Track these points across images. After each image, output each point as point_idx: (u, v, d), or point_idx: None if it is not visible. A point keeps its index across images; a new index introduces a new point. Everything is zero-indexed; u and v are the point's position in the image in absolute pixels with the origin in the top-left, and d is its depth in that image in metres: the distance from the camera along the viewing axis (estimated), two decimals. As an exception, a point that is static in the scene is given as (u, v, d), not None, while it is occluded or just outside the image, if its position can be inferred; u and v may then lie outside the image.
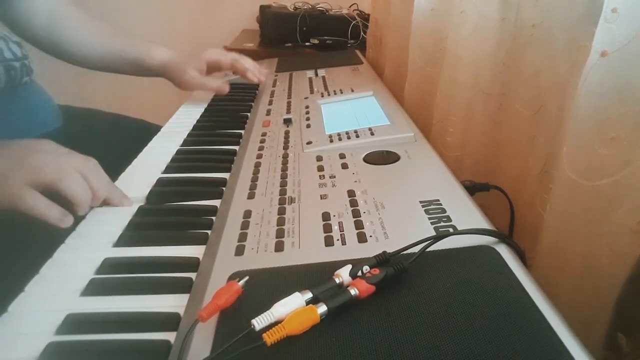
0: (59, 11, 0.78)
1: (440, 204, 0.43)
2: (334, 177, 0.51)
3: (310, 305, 0.31)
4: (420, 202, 0.44)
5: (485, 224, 0.40)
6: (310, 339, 0.29)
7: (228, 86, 0.85)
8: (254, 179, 0.52)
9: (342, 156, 0.56)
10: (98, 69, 0.84)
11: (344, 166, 0.53)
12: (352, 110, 0.72)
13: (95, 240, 0.45)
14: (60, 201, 0.47)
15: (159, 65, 0.83)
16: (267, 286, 0.34)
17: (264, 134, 0.66)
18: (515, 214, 0.58)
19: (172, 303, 0.37)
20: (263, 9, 1.49)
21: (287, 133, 0.66)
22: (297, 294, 0.31)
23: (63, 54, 0.80)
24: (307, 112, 0.73)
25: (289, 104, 0.79)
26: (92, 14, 0.84)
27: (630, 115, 0.40)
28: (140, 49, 0.83)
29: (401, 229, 0.40)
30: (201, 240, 0.44)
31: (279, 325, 0.29)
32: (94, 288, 0.38)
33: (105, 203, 0.51)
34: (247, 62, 0.89)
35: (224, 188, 0.54)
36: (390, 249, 0.36)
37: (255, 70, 0.89)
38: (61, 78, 1.20)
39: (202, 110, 0.83)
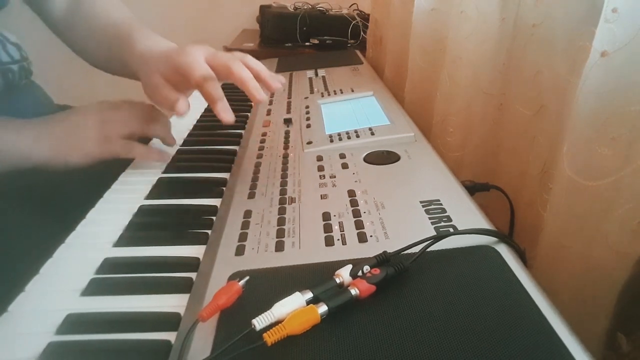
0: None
1: (441, 204, 0.43)
2: (334, 177, 0.51)
3: (311, 305, 0.30)
4: (421, 202, 0.44)
5: (485, 224, 0.40)
6: (310, 339, 0.29)
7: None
8: (254, 179, 0.52)
9: (342, 156, 0.56)
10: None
11: (344, 166, 0.53)
12: (352, 110, 0.72)
13: (95, 240, 0.45)
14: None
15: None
16: (267, 286, 0.34)
17: (264, 134, 0.66)
18: (515, 213, 0.58)
19: (172, 303, 0.37)
20: (263, 9, 1.49)
21: (287, 133, 0.66)
22: (297, 293, 0.31)
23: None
24: (307, 112, 0.73)
25: (289, 104, 0.79)
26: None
27: (630, 115, 0.40)
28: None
29: (401, 229, 0.40)
30: (201, 240, 0.44)
31: (280, 325, 0.29)
32: (94, 288, 0.38)
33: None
34: (244, 72, 0.52)
35: (224, 188, 0.54)
36: (391, 248, 0.36)
37: (266, 75, 0.55)
38: (61, 78, 1.20)
39: (202, 110, 0.83)
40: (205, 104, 0.85)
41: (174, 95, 0.54)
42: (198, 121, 0.77)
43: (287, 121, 0.70)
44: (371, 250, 0.36)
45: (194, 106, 0.84)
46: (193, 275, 0.40)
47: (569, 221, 0.46)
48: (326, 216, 0.43)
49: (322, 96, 0.80)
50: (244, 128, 0.73)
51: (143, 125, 0.58)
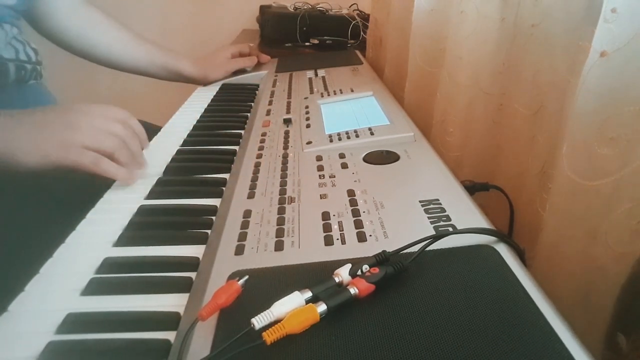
0: (91, 22, 0.89)
1: (440, 204, 0.43)
2: (334, 176, 0.51)
3: (310, 304, 0.31)
4: (420, 201, 0.44)
5: (484, 224, 0.40)
6: (310, 338, 0.29)
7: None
8: (254, 179, 0.52)
9: (341, 156, 0.56)
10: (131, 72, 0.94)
11: (344, 166, 0.53)
12: (352, 110, 0.72)
13: (95, 240, 0.45)
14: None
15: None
16: (266, 285, 0.34)
17: (264, 134, 0.66)
18: (515, 213, 0.58)
19: (172, 302, 0.37)
20: (263, 9, 1.50)
21: (287, 133, 0.66)
22: (296, 293, 0.31)
23: (98, 59, 0.91)
24: (307, 112, 0.73)
25: (288, 104, 0.79)
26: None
27: (630, 115, 0.40)
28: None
29: (401, 229, 0.40)
30: (201, 239, 0.44)
31: (279, 324, 0.29)
32: (94, 287, 0.38)
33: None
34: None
35: (224, 188, 0.54)
36: (390, 248, 0.36)
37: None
38: (62, 79, 1.20)
39: (202, 110, 0.83)
40: (204, 104, 0.86)
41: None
42: (198, 121, 0.77)
43: (287, 121, 0.70)
44: (370, 249, 0.36)
45: (194, 106, 0.85)
46: (192, 274, 0.40)
47: (568, 221, 0.46)
48: (325, 216, 0.43)
49: (322, 96, 0.80)
50: (243, 128, 0.73)
51: (98, 167, 0.52)
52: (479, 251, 0.36)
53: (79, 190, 0.54)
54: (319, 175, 0.51)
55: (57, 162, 0.51)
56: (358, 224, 0.41)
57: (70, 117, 0.53)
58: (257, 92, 0.92)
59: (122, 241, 0.45)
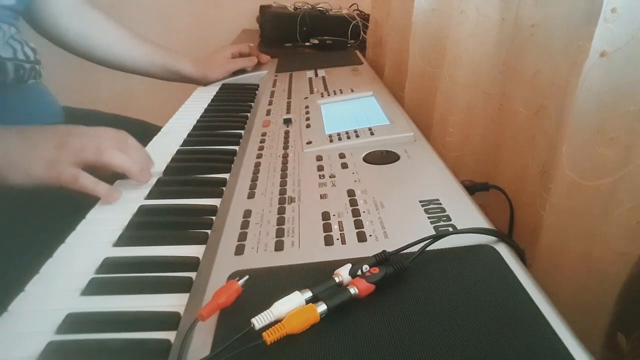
0: (91, 22, 0.89)
1: (440, 204, 0.43)
2: (334, 176, 0.51)
3: (310, 304, 0.31)
4: (420, 201, 0.44)
5: (484, 224, 0.40)
6: (310, 338, 0.29)
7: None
8: (254, 179, 0.52)
9: (341, 156, 0.56)
10: (132, 72, 0.94)
11: (344, 166, 0.53)
12: (352, 110, 0.72)
13: (95, 240, 0.45)
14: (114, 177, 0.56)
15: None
16: (266, 285, 0.34)
17: (264, 134, 0.66)
18: (515, 213, 0.58)
19: (172, 302, 0.37)
20: (263, 9, 1.50)
21: (287, 133, 0.66)
22: (296, 293, 0.31)
23: (98, 60, 0.90)
24: (307, 112, 0.73)
25: (288, 104, 0.79)
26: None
27: (630, 115, 0.40)
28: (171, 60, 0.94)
29: (401, 229, 0.40)
30: (201, 239, 0.44)
31: (279, 324, 0.29)
32: (94, 287, 0.38)
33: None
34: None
35: (224, 188, 0.54)
36: (390, 248, 0.36)
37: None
38: (62, 79, 1.20)
39: (202, 110, 0.83)
40: (204, 104, 0.86)
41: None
42: (198, 121, 0.77)
43: (287, 121, 0.70)
44: (370, 249, 0.36)
45: (194, 106, 0.85)
46: (193, 274, 0.40)
47: (568, 221, 0.46)
48: (325, 216, 0.43)
49: (322, 96, 0.81)
50: (243, 128, 0.73)
51: (102, 155, 0.52)
52: (479, 251, 0.36)
53: (79, 190, 0.54)
54: (319, 175, 0.51)
55: (42, 181, 0.51)
56: (358, 224, 0.41)
57: (61, 137, 0.52)
58: (257, 92, 0.92)
59: (122, 241, 0.45)
